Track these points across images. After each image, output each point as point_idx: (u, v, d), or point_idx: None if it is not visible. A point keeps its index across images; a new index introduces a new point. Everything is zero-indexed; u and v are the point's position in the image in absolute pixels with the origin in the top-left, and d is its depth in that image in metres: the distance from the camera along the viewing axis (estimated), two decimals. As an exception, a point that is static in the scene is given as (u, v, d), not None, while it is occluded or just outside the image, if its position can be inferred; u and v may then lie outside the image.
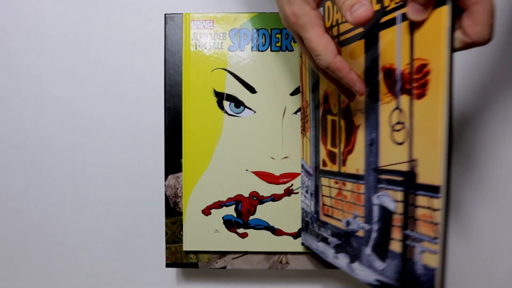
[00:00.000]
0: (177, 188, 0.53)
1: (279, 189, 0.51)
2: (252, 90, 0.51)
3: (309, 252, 0.52)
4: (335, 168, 0.44)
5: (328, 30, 0.37)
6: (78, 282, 0.61)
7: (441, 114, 0.30)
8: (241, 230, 0.52)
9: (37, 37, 0.58)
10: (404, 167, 0.33)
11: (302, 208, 0.51)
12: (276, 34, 0.51)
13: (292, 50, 0.51)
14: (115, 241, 0.59)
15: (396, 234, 0.35)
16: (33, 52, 0.58)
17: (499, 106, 0.53)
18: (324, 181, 0.46)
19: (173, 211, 0.53)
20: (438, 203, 0.30)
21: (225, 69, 0.51)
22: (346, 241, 0.42)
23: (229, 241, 0.52)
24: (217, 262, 0.55)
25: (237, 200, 0.52)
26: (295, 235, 0.52)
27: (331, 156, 0.44)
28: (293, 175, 0.51)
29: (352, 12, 0.31)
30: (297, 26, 0.34)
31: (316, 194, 0.48)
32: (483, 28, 0.30)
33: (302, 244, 0.52)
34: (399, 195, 0.34)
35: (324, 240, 0.46)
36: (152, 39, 0.56)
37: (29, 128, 0.59)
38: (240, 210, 0.52)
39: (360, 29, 0.38)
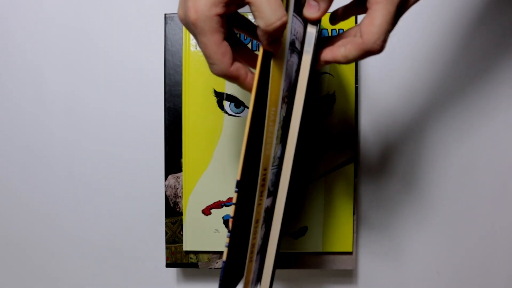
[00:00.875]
0: (177, 188, 0.53)
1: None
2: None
3: (309, 252, 0.52)
4: None
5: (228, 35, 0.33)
6: (77, 282, 0.61)
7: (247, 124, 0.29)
8: (241, 230, 0.52)
9: (37, 38, 0.58)
10: None
11: None
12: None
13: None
14: (115, 241, 0.59)
15: None
16: (34, 53, 0.58)
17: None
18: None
19: (173, 211, 0.53)
20: (235, 197, 0.30)
21: (225, 69, 0.51)
22: None
23: (229, 241, 0.52)
24: (217, 262, 0.55)
25: (237, 200, 0.52)
26: (296, 235, 0.52)
27: None
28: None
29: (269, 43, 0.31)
30: (196, 26, 0.31)
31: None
32: (376, 30, 0.31)
33: None
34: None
35: None
36: (152, 39, 0.56)
37: (28, 130, 0.59)
38: (240, 210, 0.52)
39: None
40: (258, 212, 0.31)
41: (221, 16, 0.31)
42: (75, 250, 0.60)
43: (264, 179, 0.31)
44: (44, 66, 0.58)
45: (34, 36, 0.58)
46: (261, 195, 0.31)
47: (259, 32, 0.31)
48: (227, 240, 0.30)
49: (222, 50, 0.31)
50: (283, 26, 0.29)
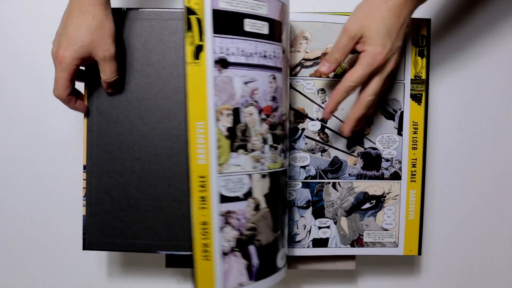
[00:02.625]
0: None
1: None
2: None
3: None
4: None
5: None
6: (77, 281, 0.62)
7: None
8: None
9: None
10: None
11: None
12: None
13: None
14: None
15: None
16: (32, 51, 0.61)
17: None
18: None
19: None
20: (84, 175, 0.51)
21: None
22: None
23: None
24: None
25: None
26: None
27: None
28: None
29: (107, 87, 0.49)
30: (60, 64, 0.45)
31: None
32: (352, 80, 0.46)
33: None
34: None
35: None
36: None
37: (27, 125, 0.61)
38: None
39: None
40: (203, 215, 0.41)
41: (77, 65, 0.46)
42: (77, 249, 0.58)
43: (203, 186, 0.41)
44: (45, 65, 0.56)
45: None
46: (203, 200, 0.41)
47: (102, 79, 0.48)
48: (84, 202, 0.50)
49: (66, 85, 0.47)
50: (114, 81, 0.48)
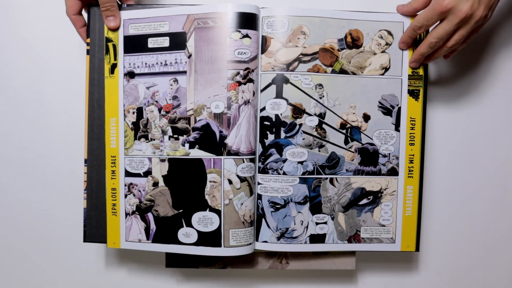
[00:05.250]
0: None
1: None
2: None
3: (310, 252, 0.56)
4: None
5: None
6: (77, 281, 0.62)
7: None
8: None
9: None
10: None
11: None
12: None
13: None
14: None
15: None
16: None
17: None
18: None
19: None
20: (85, 169, 0.54)
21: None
22: None
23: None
24: (217, 262, 0.54)
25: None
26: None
27: None
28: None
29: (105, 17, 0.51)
30: None
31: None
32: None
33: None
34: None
35: None
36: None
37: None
38: (239, 205, 0.53)
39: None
40: (113, 183, 0.53)
41: None
42: (78, 249, 0.61)
43: (113, 163, 0.53)
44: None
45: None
46: (113, 173, 0.53)
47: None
48: (85, 195, 0.54)
49: (71, 3, 0.51)
50: (109, 11, 0.50)
